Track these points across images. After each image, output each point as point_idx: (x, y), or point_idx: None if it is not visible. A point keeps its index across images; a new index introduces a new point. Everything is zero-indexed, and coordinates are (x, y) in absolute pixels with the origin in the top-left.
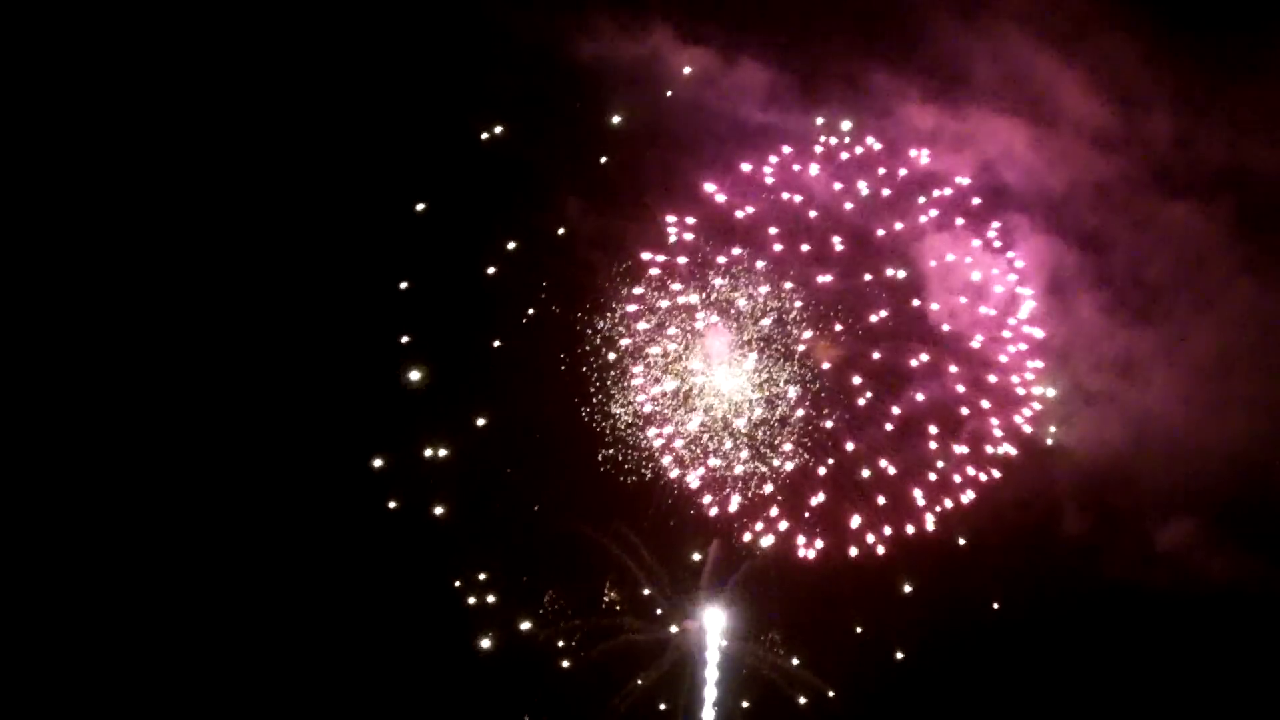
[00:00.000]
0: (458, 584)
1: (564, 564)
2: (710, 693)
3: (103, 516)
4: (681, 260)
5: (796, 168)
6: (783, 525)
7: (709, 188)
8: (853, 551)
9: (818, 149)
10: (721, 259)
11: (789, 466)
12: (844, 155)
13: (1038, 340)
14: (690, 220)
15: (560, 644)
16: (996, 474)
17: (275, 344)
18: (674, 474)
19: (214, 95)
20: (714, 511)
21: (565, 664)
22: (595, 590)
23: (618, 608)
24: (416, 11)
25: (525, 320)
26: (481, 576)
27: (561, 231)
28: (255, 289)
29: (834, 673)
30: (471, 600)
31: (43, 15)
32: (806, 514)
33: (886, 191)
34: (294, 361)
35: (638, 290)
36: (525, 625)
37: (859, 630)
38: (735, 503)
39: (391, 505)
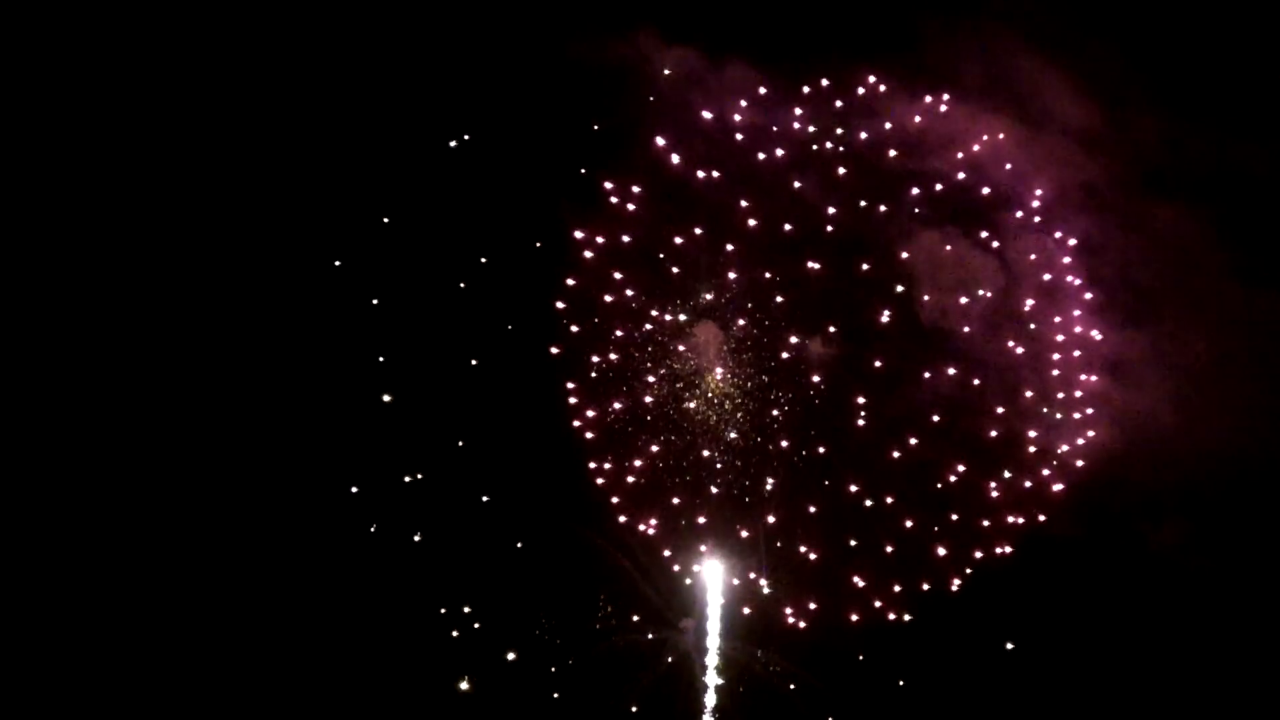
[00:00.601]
0: (443, 612)
1: (552, 582)
2: (710, 699)
3: (62, 541)
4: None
5: (775, 129)
6: (763, 584)
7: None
8: (854, 617)
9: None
10: (679, 239)
11: (771, 518)
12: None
13: (1096, 345)
14: (636, 189)
15: (553, 669)
16: (1041, 518)
17: (244, 365)
18: (623, 519)
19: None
20: (676, 568)
21: (556, 695)
22: (586, 603)
23: (612, 622)
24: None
25: (505, 332)
26: (466, 609)
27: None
28: (218, 307)
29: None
30: (455, 633)
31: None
32: (794, 571)
33: (893, 153)
34: (264, 382)
35: (570, 281)
36: (511, 655)
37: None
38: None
39: (372, 530)
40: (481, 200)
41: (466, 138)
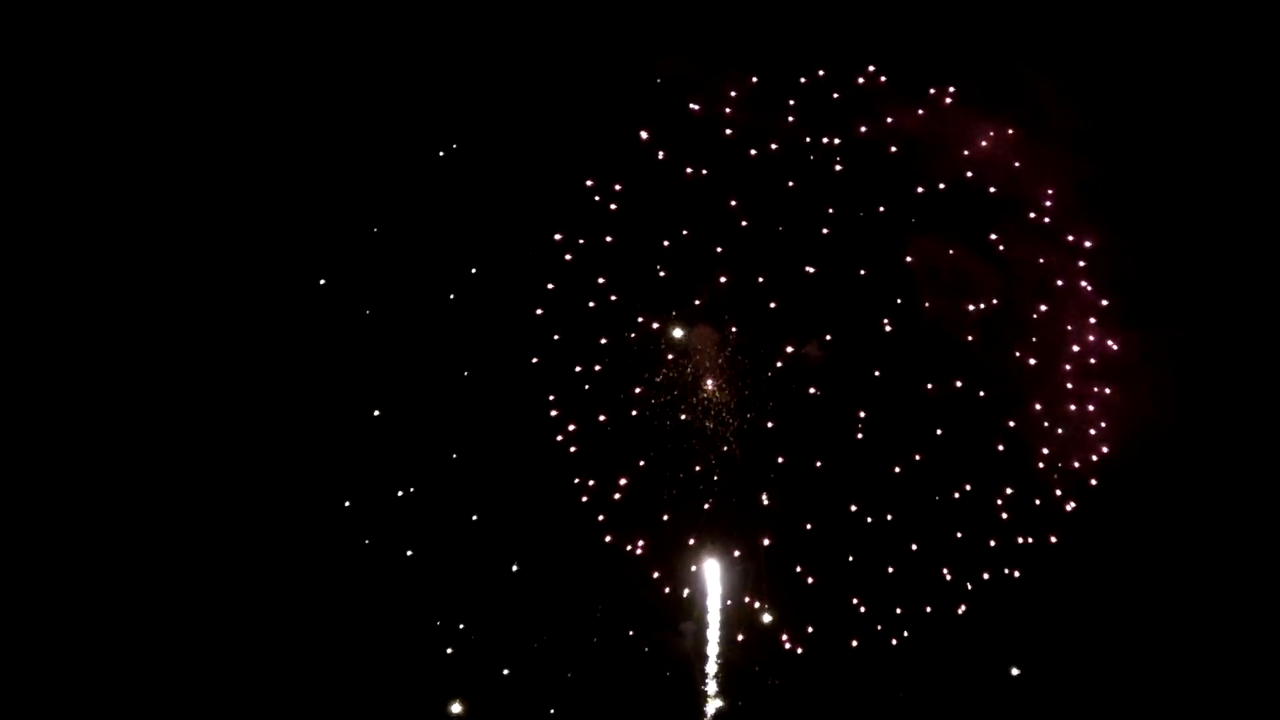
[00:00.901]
0: (438, 624)
1: (547, 591)
2: (710, 707)
3: (48, 555)
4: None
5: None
6: (759, 609)
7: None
8: (854, 643)
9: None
10: (666, 242)
11: (766, 540)
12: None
13: (1112, 354)
14: (617, 187)
15: (549, 682)
16: (1053, 539)
17: (234, 379)
18: (608, 539)
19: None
20: (667, 590)
21: (552, 711)
22: (583, 612)
23: (609, 632)
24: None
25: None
26: (460, 626)
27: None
28: (206, 318)
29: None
30: (450, 650)
31: None
32: (791, 594)
33: (894, 149)
34: (254, 396)
35: (550, 286)
36: (506, 670)
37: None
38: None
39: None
40: (472, 208)
41: (455, 146)
